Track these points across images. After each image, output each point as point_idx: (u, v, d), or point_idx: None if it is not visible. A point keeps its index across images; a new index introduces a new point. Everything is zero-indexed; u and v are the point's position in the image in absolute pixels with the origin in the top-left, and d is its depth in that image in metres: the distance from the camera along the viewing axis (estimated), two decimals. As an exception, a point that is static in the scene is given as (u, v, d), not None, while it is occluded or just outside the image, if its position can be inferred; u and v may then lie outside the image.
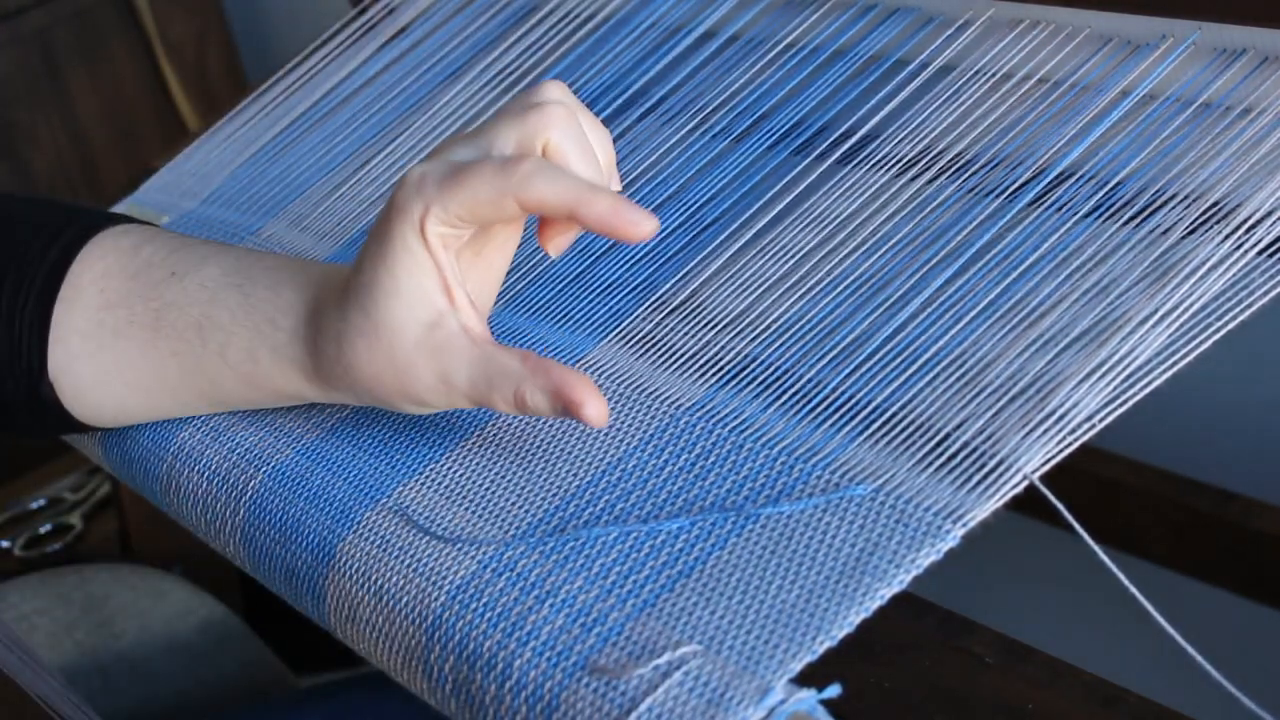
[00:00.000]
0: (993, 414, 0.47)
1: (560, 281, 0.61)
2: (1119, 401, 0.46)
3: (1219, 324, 0.47)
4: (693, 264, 0.59)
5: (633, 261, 0.60)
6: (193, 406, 0.59)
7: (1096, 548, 0.45)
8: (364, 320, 0.51)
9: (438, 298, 0.50)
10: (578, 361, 0.56)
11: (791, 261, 0.57)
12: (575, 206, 0.47)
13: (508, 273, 0.62)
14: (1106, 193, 0.53)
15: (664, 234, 0.61)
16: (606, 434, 0.52)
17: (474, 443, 0.54)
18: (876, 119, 0.61)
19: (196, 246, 0.59)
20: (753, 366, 0.53)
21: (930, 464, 0.47)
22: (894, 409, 0.49)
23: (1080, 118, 0.56)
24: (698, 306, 0.57)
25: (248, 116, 0.83)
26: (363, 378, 0.52)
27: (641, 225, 0.47)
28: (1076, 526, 0.44)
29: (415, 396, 0.52)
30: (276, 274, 0.56)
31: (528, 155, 0.48)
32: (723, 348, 0.54)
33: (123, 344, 0.57)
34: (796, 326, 0.54)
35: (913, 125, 0.60)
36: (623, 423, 0.52)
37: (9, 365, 0.58)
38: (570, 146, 0.50)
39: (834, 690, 0.41)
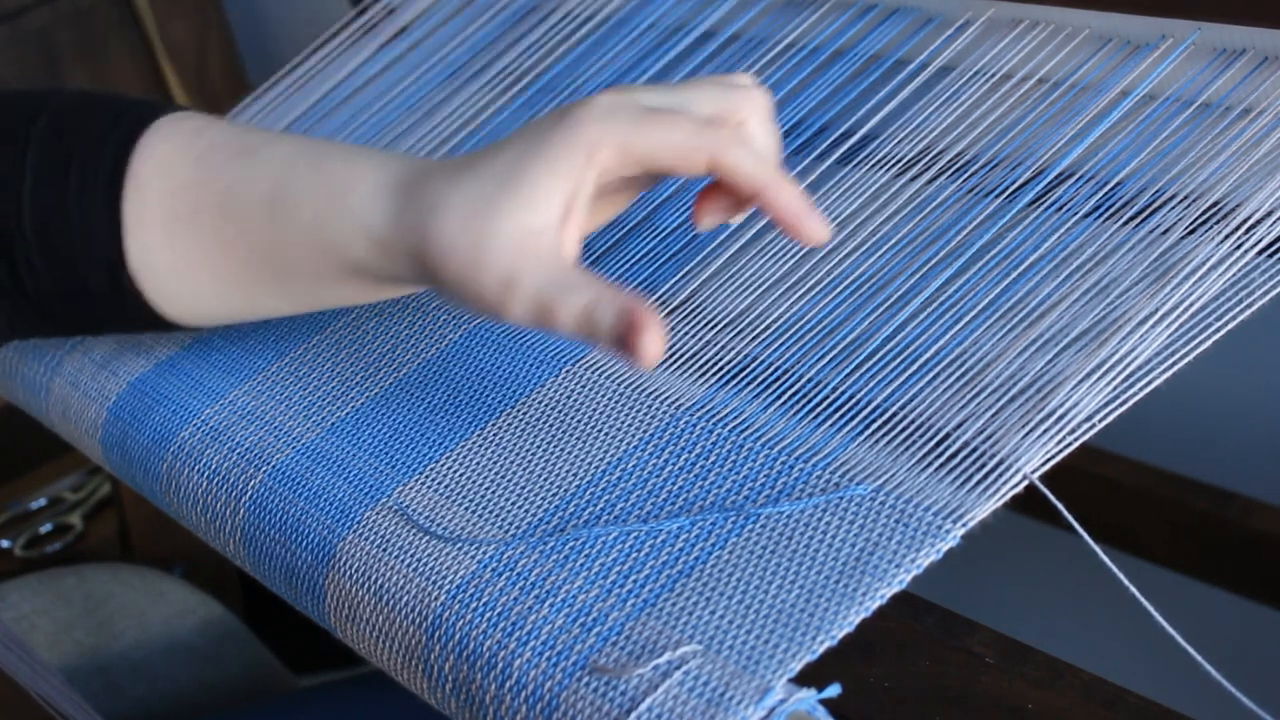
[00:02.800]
0: (993, 414, 0.47)
1: (560, 281, 0.61)
2: (1119, 401, 0.46)
3: (1219, 324, 0.47)
4: (693, 264, 0.59)
5: (633, 261, 0.60)
6: (263, 293, 0.58)
7: (1096, 548, 0.45)
8: (469, 197, 0.51)
9: (555, 212, 0.50)
10: (577, 362, 0.56)
11: (791, 261, 0.57)
12: (766, 186, 0.50)
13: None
14: (1106, 193, 0.53)
15: (664, 234, 0.61)
16: (606, 434, 0.52)
17: (474, 443, 0.54)
18: (876, 119, 0.61)
19: (259, 131, 0.58)
20: (753, 366, 0.53)
21: (930, 464, 0.47)
22: (894, 409, 0.49)
23: (1080, 118, 0.56)
24: (698, 306, 0.57)
25: (248, 117, 0.83)
26: (435, 248, 0.52)
27: (818, 230, 0.50)
28: (1076, 526, 0.44)
29: (472, 284, 0.51)
30: (350, 151, 0.56)
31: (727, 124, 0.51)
32: (723, 348, 0.54)
33: (193, 232, 0.57)
34: (796, 326, 0.54)
35: (913, 125, 0.60)
36: (623, 423, 0.52)
37: (88, 257, 0.57)
38: (763, 137, 0.52)
39: (834, 690, 0.41)
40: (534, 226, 0.50)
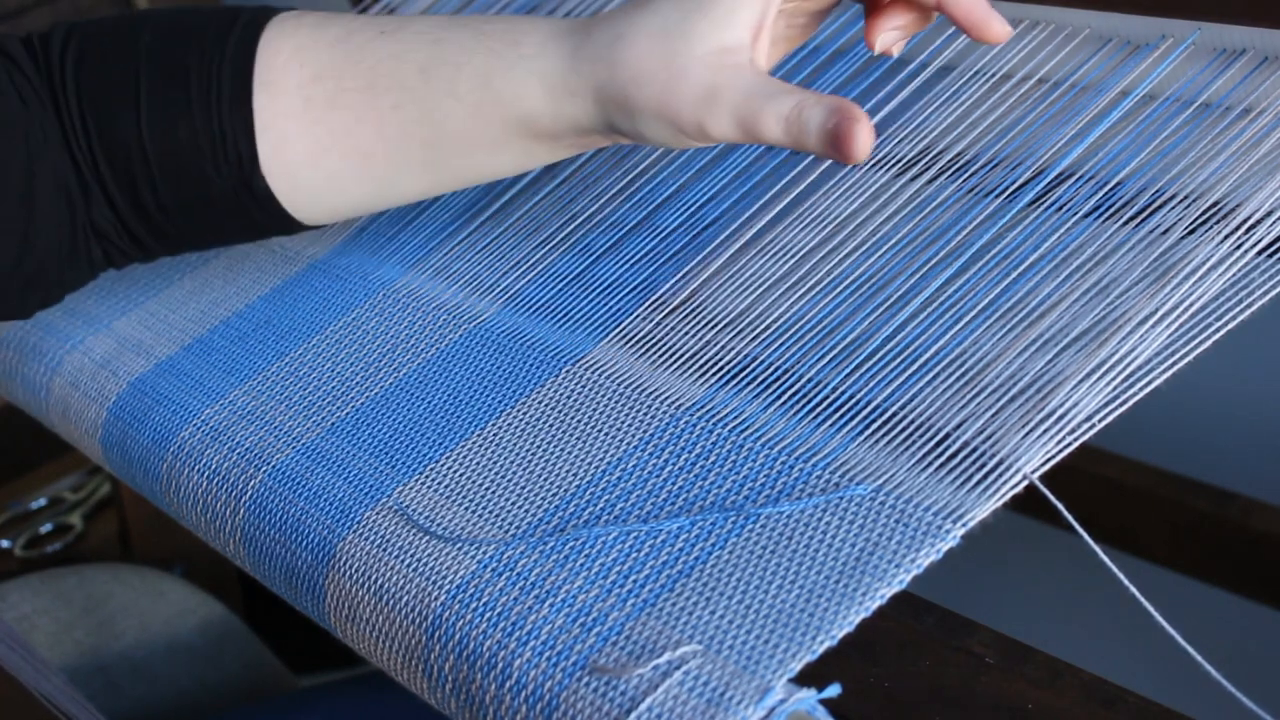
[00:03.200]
0: (993, 414, 0.47)
1: (560, 281, 0.61)
2: (1119, 401, 0.46)
3: (1219, 324, 0.47)
4: (693, 264, 0.59)
5: (633, 261, 0.60)
6: (410, 170, 0.59)
7: (1096, 548, 0.45)
8: (658, 22, 0.53)
9: (749, 30, 0.52)
10: (577, 362, 0.56)
11: (791, 261, 0.57)
12: None
13: (507, 271, 0.63)
14: (1106, 193, 0.53)
15: (664, 234, 0.61)
16: (606, 434, 0.52)
17: (474, 443, 0.54)
18: (876, 119, 0.60)
19: (387, 17, 0.59)
20: (753, 366, 0.53)
21: (930, 464, 0.47)
22: (894, 409, 0.49)
23: (1080, 118, 0.56)
24: (698, 306, 0.57)
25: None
26: (625, 74, 0.53)
27: (1002, 29, 0.53)
28: (1076, 526, 0.44)
29: (670, 106, 0.53)
30: (506, 16, 0.58)
31: None
32: (723, 348, 0.54)
33: (337, 114, 0.58)
34: (796, 326, 0.54)
35: (913, 125, 0.60)
36: (623, 423, 0.52)
37: (216, 161, 0.58)
38: None
39: (834, 690, 0.41)
40: (729, 44, 0.52)
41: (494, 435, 0.54)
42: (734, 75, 0.52)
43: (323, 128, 0.58)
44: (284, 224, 0.61)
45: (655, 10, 0.53)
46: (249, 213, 0.60)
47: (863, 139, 0.50)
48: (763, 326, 0.54)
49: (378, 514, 0.52)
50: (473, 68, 0.56)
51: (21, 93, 0.58)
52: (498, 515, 0.50)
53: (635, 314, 0.58)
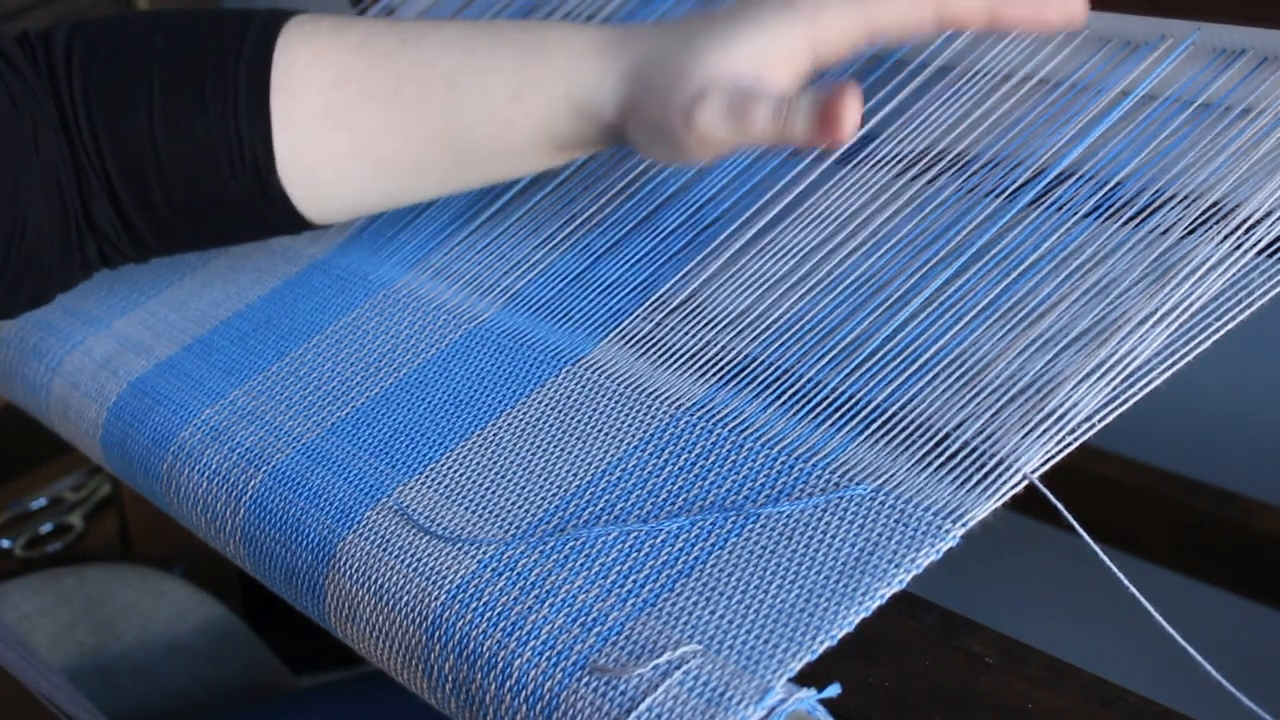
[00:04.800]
0: (993, 414, 0.47)
1: (560, 281, 0.61)
2: (1119, 401, 0.46)
3: (1219, 324, 0.47)
4: (693, 264, 0.59)
5: (633, 261, 0.60)
6: (431, 174, 0.59)
7: (1096, 548, 0.45)
8: (679, 46, 0.54)
9: (752, 64, 0.53)
10: (577, 362, 0.56)
11: (791, 261, 0.57)
12: (996, 11, 0.53)
13: (507, 271, 0.63)
14: (1106, 193, 0.53)
15: (664, 234, 0.61)
16: (606, 434, 0.52)
17: (474, 442, 0.54)
18: (876, 119, 0.61)
19: (406, 21, 0.60)
20: (753, 366, 0.53)
21: (930, 464, 0.47)
22: (894, 409, 0.49)
23: (1080, 118, 0.56)
24: (698, 306, 0.57)
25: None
26: (639, 94, 0.54)
27: (1062, 9, 0.53)
28: (1076, 526, 0.44)
29: (667, 107, 0.54)
30: (531, 25, 0.58)
31: None
32: (723, 348, 0.54)
33: (359, 120, 0.58)
34: (796, 326, 0.54)
35: (913, 125, 0.60)
36: (623, 423, 0.52)
37: (231, 162, 0.58)
38: None
39: (834, 690, 0.41)
40: (738, 70, 0.53)
41: (494, 435, 0.54)
42: (732, 78, 0.53)
43: (344, 132, 0.58)
44: (295, 224, 0.61)
45: (725, 20, 0.54)
46: (260, 213, 0.60)
47: (850, 111, 0.50)
48: (763, 326, 0.54)
49: (378, 514, 0.52)
50: (504, 79, 0.56)
51: (12, 91, 0.58)
52: (498, 515, 0.50)
53: (635, 314, 0.58)
